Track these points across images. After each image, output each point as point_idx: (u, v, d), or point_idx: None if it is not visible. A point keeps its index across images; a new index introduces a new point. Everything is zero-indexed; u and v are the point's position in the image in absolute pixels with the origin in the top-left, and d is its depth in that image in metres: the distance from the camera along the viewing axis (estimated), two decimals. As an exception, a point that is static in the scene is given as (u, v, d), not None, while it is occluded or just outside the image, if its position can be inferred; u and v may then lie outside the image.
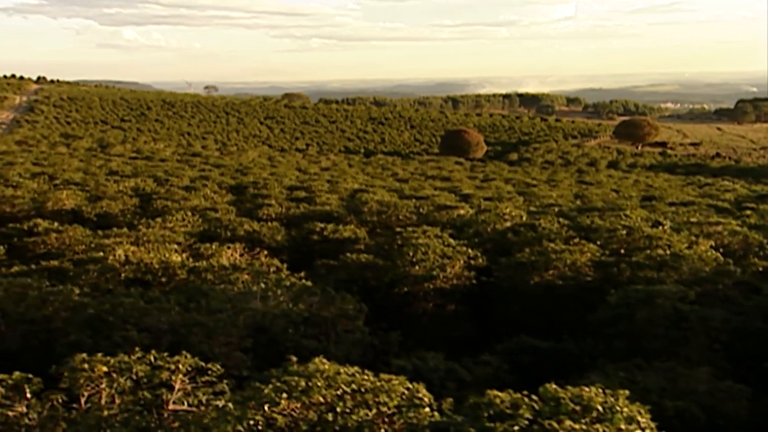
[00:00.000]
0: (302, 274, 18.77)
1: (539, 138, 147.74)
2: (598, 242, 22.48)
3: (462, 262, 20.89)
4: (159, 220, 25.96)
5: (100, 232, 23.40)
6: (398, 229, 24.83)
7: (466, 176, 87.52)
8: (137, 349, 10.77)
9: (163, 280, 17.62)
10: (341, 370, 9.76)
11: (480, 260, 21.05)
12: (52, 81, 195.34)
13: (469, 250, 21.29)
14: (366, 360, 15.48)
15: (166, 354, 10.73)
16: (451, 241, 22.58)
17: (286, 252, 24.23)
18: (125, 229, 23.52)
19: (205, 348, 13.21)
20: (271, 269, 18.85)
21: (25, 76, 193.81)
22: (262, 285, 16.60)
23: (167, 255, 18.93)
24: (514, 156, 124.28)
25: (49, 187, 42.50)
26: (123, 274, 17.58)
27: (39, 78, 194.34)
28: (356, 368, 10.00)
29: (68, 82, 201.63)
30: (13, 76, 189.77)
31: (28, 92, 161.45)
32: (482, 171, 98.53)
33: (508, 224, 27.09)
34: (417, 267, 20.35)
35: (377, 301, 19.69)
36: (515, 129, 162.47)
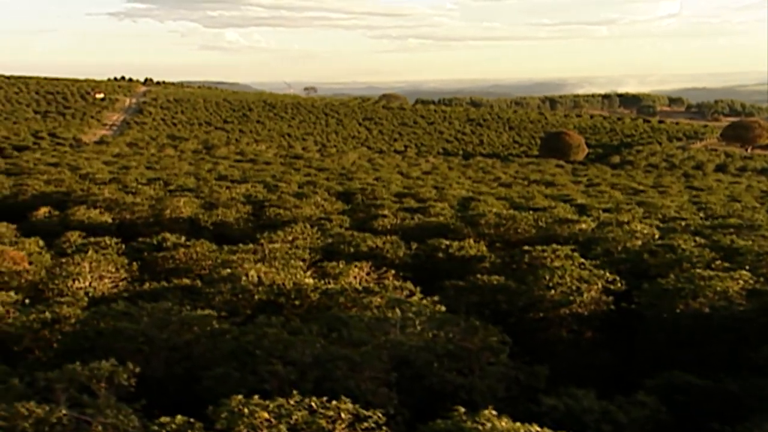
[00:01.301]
0: (436, 298, 18.09)
1: (642, 140, 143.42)
2: (746, 267, 21.03)
3: (599, 286, 19.82)
4: (280, 234, 25.74)
5: (225, 248, 23.28)
6: (525, 248, 23.85)
7: (570, 180, 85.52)
8: (295, 392, 10.33)
9: (297, 303, 17.23)
10: (519, 428, 9.02)
11: (618, 284, 19.94)
12: (158, 83, 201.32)
13: (607, 274, 20.19)
14: (511, 396, 14.71)
15: (325, 399, 10.26)
16: (587, 262, 21.52)
17: (410, 269, 23.58)
18: (250, 245, 23.33)
19: (351, 383, 12.68)
20: (404, 292, 18.24)
21: (133, 78, 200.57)
22: (399, 312, 15.99)
23: (298, 276, 18.56)
24: (615, 159, 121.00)
25: (164, 193, 43.27)
26: (256, 296, 17.28)
27: (146, 80, 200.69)
28: (536, 427, 9.22)
29: (173, 84, 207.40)
30: (123, 78, 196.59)
31: (136, 94, 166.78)
32: (585, 174, 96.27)
33: (639, 242, 25.78)
34: (553, 291, 19.41)
35: (510, 326, 18.82)
36: (617, 131, 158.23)
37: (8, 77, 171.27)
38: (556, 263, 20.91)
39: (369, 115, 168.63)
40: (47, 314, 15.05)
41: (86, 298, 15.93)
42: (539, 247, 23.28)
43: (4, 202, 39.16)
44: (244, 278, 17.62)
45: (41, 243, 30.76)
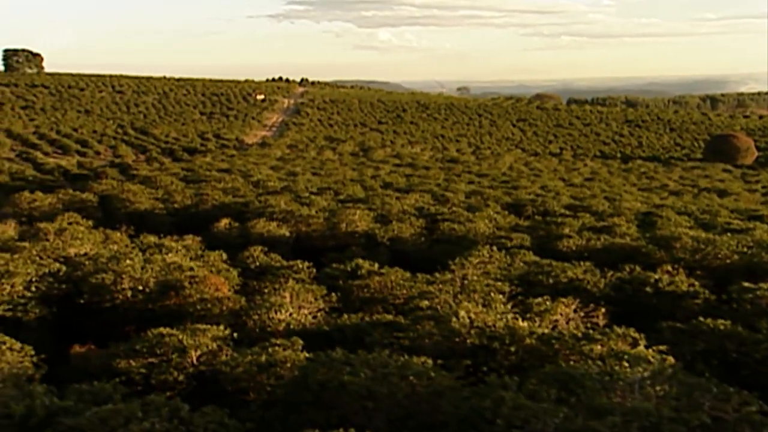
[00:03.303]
0: (662, 348, 16.40)
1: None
2: None
3: None
4: (472, 260, 24.62)
5: (419, 276, 22.43)
6: (746, 284, 21.64)
7: (743, 188, 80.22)
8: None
9: (512, 349, 16.05)
10: None
11: None
12: (313, 83, 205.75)
13: None
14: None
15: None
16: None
17: (612, 303, 21.91)
18: (447, 274, 22.39)
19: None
20: (627, 339, 16.68)
21: (290, 78, 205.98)
22: (628, 366, 14.49)
23: (509, 316, 17.38)
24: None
25: (336, 203, 43.23)
26: (468, 340, 16.24)
27: (302, 80, 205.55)
28: None
29: (328, 84, 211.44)
30: (280, 78, 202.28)
31: (294, 95, 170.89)
32: (757, 180, 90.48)
33: None
34: (793, 342, 17.32)
35: (742, 379, 16.88)
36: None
37: (178, 79, 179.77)
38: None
39: (523, 116, 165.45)
40: (263, 357, 14.58)
41: (300, 342, 15.32)
42: (764, 285, 21.05)
43: (187, 211, 40.16)
44: (454, 320, 16.58)
45: (224, 256, 31.19)
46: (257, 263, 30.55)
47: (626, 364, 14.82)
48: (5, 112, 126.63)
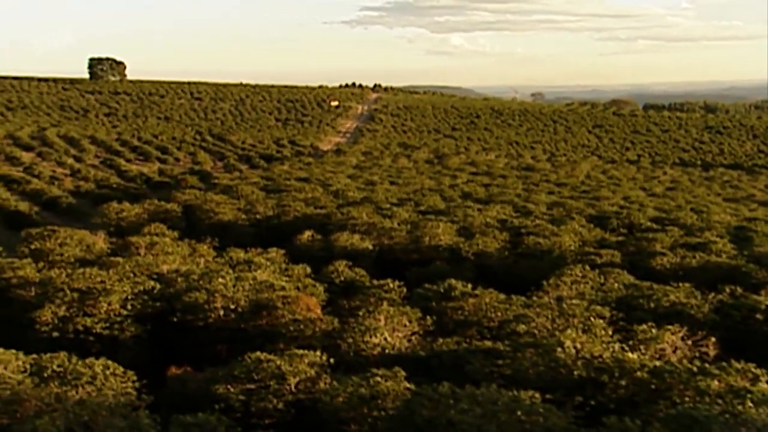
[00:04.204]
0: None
1: None
2: None
3: None
4: (565, 279, 23.81)
5: (513, 298, 21.73)
6: None
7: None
8: None
9: (622, 383, 15.27)
10: None
11: None
12: (386, 88, 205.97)
13: None
14: None
15: None
16: None
17: (716, 329, 20.82)
18: (544, 297, 21.68)
19: None
20: (747, 375, 15.70)
21: (363, 83, 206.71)
22: (752, 407, 13.61)
23: (615, 346, 16.60)
24: None
25: (417, 215, 42.76)
26: (575, 372, 15.52)
27: (375, 85, 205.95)
28: None
29: (401, 90, 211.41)
30: (353, 84, 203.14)
31: (368, 101, 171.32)
32: None
33: None
34: None
35: None
36: None
37: (254, 86, 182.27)
38: None
39: (599, 122, 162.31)
40: (365, 388, 14.15)
41: (403, 373, 14.83)
42: None
43: (269, 223, 40.24)
44: (559, 349, 15.89)
45: (308, 270, 30.99)
46: (342, 278, 30.30)
47: (750, 404, 13.96)
48: (89, 119, 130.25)
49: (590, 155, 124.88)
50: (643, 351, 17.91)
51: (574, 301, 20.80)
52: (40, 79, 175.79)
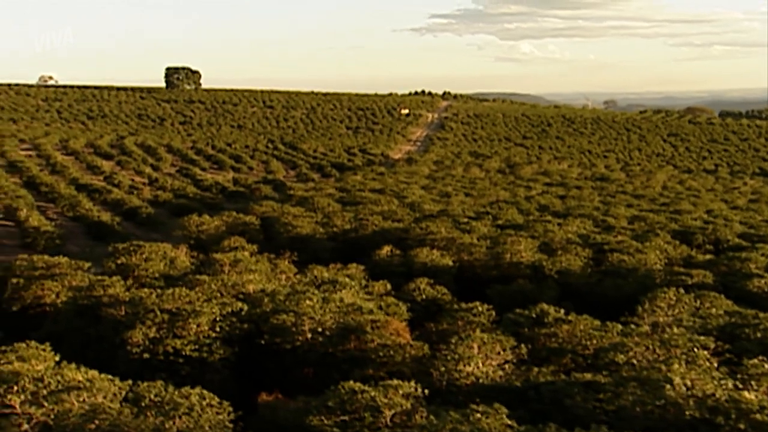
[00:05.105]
0: None
1: None
2: None
3: None
4: (661, 304, 22.84)
5: (609, 324, 20.89)
6: None
7: None
8: None
9: (741, 426, 14.36)
10: None
11: None
12: (455, 96, 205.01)
13: None
14: None
15: None
16: None
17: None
18: (642, 324, 20.78)
19: None
20: None
21: (432, 90, 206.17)
22: None
23: (729, 384, 15.69)
24: None
25: (495, 230, 42.03)
26: (687, 412, 14.70)
27: (444, 93, 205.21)
28: None
29: (471, 98, 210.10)
30: (423, 92, 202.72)
31: (438, 109, 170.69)
32: None
33: None
34: None
35: None
36: None
37: (324, 94, 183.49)
38: None
39: (674, 131, 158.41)
40: (464, 426, 13.60)
41: (504, 410, 14.19)
42: None
43: (346, 236, 40.05)
44: (668, 387, 15.07)
45: (388, 286, 30.63)
46: (424, 296, 29.86)
47: None
48: (165, 128, 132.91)
49: (665, 164, 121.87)
50: (755, 388, 16.91)
51: (675, 330, 19.86)
52: (118, 88, 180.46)
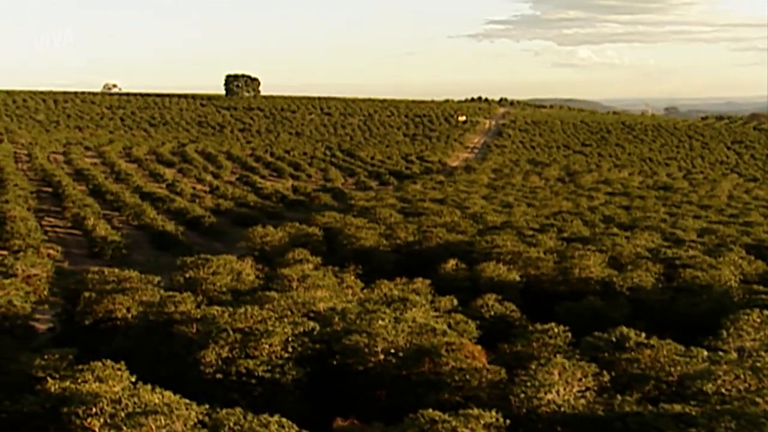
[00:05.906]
0: None
1: None
2: None
3: None
4: (747, 327, 21.93)
5: (694, 350, 20.01)
6: None
7: None
8: None
9: None
10: None
11: None
12: (512, 102, 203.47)
13: None
14: None
15: None
16: None
17: None
18: (731, 353, 19.90)
19: None
20: None
21: (489, 97, 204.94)
22: None
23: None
24: None
25: (562, 243, 41.17)
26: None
27: (501, 99, 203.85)
28: None
29: (528, 104, 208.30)
30: (479, 98, 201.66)
31: (495, 116, 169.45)
32: None
33: None
34: None
35: None
36: None
37: (381, 101, 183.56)
38: None
39: (738, 138, 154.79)
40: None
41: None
42: None
43: (410, 249, 39.63)
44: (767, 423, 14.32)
45: (455, 302, 30.10)
46: (492, 312, 29.27)
47: None
48: (225, 135, 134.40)
49: (729, 172, 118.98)
50: None
51: (765, 356, 18.98)
52: (179, 96, 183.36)
